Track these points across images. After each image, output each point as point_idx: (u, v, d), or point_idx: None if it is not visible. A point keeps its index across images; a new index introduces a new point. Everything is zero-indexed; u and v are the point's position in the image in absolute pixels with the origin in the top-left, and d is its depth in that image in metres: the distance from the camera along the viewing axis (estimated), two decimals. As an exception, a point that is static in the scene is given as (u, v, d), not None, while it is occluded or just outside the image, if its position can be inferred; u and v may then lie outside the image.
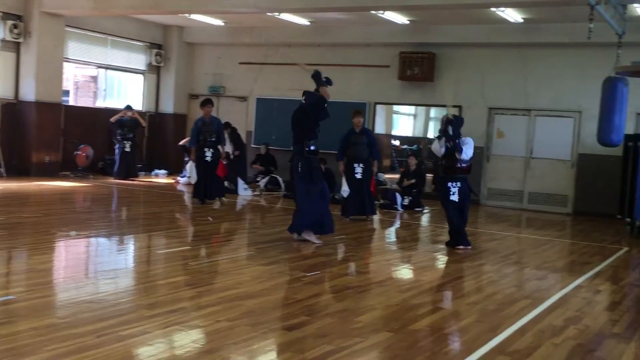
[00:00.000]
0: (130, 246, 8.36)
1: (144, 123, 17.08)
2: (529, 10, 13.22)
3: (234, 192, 14.11)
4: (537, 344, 4.86)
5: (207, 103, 12.34)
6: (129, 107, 16.41)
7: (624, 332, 5.42)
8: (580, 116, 14.58)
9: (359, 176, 11.36)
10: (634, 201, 11.32)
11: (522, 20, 13.97)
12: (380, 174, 15.12)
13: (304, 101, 8.82)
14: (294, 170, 8.72)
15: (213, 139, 12.16)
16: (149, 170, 17.78)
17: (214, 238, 9.13)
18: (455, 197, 8.89)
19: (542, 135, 15.01)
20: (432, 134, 19.78)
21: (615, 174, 13.28)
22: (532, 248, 9.87)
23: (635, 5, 11.60)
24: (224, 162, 12.79)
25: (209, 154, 12.16)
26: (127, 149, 16.18)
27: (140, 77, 18.53)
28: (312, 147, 8.61)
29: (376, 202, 12.59)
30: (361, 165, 11.35)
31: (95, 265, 7.18)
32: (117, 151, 16.24)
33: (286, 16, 14.98)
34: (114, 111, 16.76)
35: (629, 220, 11.90)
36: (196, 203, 12.11)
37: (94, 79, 17.70)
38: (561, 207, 14.81)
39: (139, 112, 17.31)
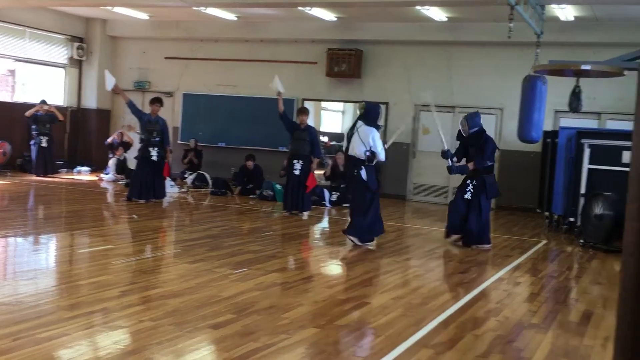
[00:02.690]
0: (51, 245, 8.10)
1: (61, 117, 16.34)
2: (452, 9, 13.50)
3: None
4: (460, 336, 4.98)
5: (155, 102, 12.11)
6: (43, 102, 15.85)
7: (542, 322, 5.61)
8: (501, 113, 15.00)
9: (297, 172, 11.42)
10: (553, 196, 11.73)
11: (446, 19, 14.25)
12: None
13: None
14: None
15: (157, 139, 11.94)
16: (70, 167, 17.25)
17: (138, 236, 8.95)
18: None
19: (465, 131, 15.32)
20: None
21: (534, 170, 13.71)
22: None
23: (553, 5, 12.03)
24: (168, 162, 12.56)
25: (154, 152, 11.91)
26: (44, 144, 15.62)
27: (61, 71, 17.97)
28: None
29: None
30: (300, 161, 11.42)
31: (13, 265, 6.91)
32: (33, 147, 15.65)
33: (213, 11, 14.80)
34: (33, 106, 16.18)
35: (548, 214, 12.33)
36: (141, 203, 11.80)
37: (12, 72, 17.04)
38: (484, 202, 15.17)
39: (60, 107, 16.78)
